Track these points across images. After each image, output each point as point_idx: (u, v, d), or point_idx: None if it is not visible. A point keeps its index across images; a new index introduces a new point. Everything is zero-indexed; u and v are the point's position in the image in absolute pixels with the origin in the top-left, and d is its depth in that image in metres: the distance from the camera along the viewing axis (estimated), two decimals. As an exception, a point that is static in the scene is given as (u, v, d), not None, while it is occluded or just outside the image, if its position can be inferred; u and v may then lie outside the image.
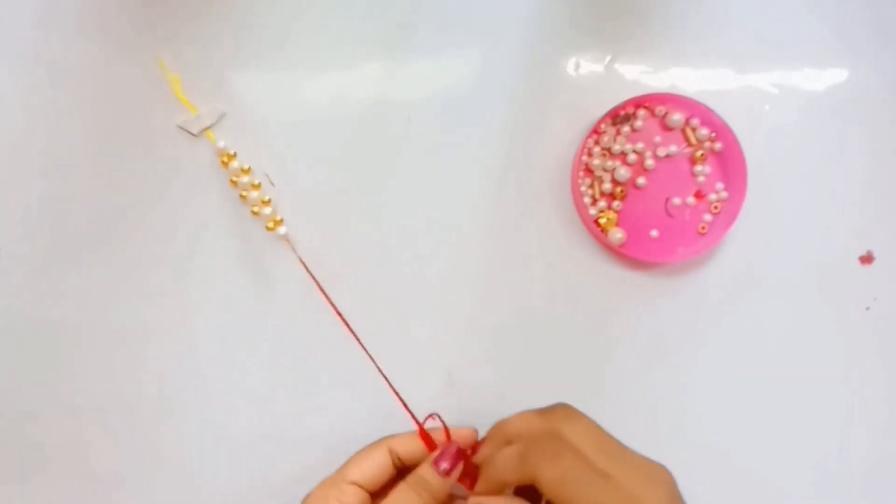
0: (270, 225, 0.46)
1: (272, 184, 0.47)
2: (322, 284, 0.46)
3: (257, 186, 0.47)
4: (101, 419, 0.46)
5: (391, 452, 0.40)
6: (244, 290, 0.47)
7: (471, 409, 0.46)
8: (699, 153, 0.46)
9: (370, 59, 0.48)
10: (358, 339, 0.46)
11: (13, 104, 0.48)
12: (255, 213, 0.46)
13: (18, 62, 0.48)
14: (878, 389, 0.46)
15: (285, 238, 0.46)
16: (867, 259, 0.47)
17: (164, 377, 0.47)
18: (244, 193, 0.46)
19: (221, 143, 0.46)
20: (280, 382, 0.47)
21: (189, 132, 0.47)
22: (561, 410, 0.36)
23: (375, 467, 0.40)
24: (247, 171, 0.46)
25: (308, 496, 0.39)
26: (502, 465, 0.36)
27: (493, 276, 0.47)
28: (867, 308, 0.47)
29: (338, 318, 0.46)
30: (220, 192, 0.47)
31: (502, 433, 0.38)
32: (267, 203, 0.46)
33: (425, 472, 0.39)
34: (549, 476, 0.33)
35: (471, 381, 0.46)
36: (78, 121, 0.47)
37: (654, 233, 0.46)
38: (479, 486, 0.38)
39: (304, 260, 0.46)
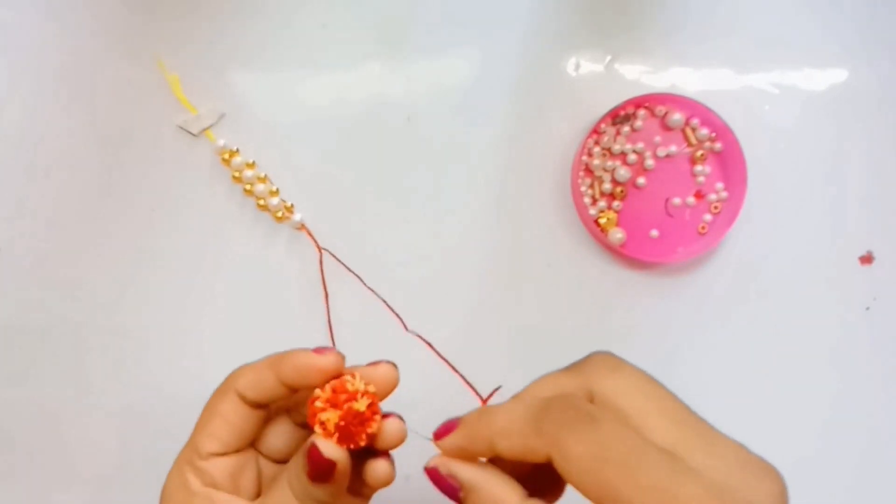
0: (280, 214, 0.46)
1: (272, 184, 0.47)
2: (323, 283, 0.46)
3: (263, 179, 0.47)
4: (106, 419, 0.46)
5: (242, 399, 0.30)
6: (250, 287, 0.47)
7: (470, 407, 0.46)
8: (699, 153, 0.46)
9: (370, 58, 0.48)
10: (403, 322, 0.46)
11: (14, 105, 0.48)
12: (261, 207, 0.46)
13: (18, 63, 0.48)
14: (877, 389, 0.46)
15: (302, 225, 0.46)
16: (867, 259, 0.47)
17: (169, 376, 0.47)
18: (248, 187, 0.46)
19: (221, 142, 0.46)
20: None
21: (189, 132, 0.47)
22: (600, 359, 0.26)
23: (229, 426, 0.29)
24: (252, 166, 0.46)
25: (165, 484, 0.31)
26: (503, 425, 0.25)
27: (494, 275, 0.47)
28: (867, 308, 0.47)
29: (383, 305, 0.46)
30: (222, 191, 0.47)
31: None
32: (275, 193, 0.46)
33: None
34: (577, 450, 0.22)
35: (470, 379, 0.46)
36: (78, 121, 0.47)
37: (654, 233, 0.46)
38: (453, 439, 0.27)
39: (322, 247, 0.46)
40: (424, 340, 0.45)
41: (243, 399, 0.29)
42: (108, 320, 0.47)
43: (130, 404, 0.47)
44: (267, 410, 0.31)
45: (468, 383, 0.44)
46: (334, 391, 0.27)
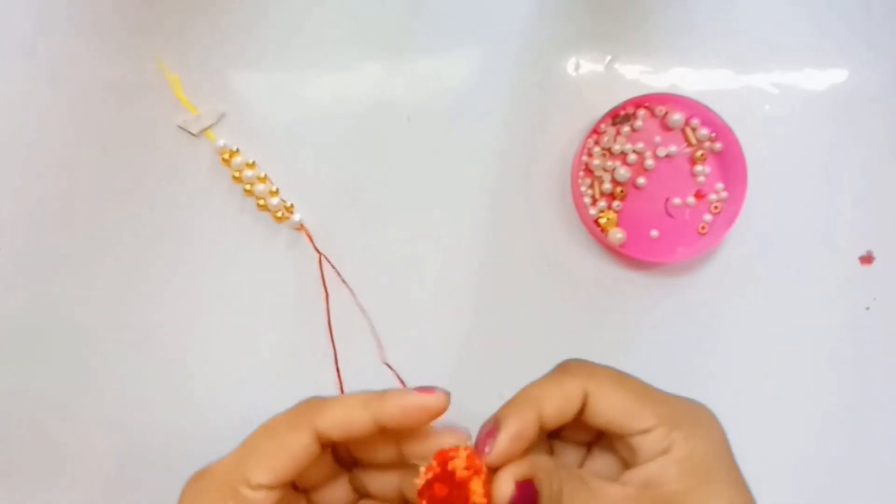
0: (280, 214, 0.46)
1: (272, 184, 0.47)
2: (324, 283, 0.46)
3: (263, 179, 0.47)
4: (105, 419, 0.46)
5: (319, 437, 0.28)
6: (249, 287, 0.47)
7: (469, 409, 0.46)
8: (699, 153, 0.46)
9: (370, 59, 0.48)
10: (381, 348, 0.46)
11: (13, 105, 0.48)
12: (261, 207, 0.46)
13: (18, 63, 0.48)
14: (877, 389, 0.46)
15: (301, 225, 0.46)
16: (867, 259, 0.47)
17: (167, 375, 0.47)
18: (248, 187, 0.46)
19: (222, 142, 0.46)
20: (293, 380, 0.46)
21: (189, 132, 0.47)
22: (576, 367, 0.31)
23: (294, 462, 0.28)
24: (252, 166, 0.46)
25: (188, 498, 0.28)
26: (542, 390, 0.29)
27: (493, 275, 0.47)
28: (867, 308, 0.47)
29: (361, 312, 0.46)
30: (222, 191, 0.47)
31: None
32: (275, 193, 0.46)
33: None
34: (605, 377, 0.29)
35: (470, 380, 0.46)
36: (78, 121, 0.47)
37: (654, 233, 0.46)
38: (511, 431, 0.28)
39: (320, 251, 0.46)
40: (397, 375, 0.45)
41: (320, 437, 0.28)
42: (106, 320, 0.47)
43: (128, 404, 0.47)
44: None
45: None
46: (476, 460, 0.27)
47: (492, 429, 0.28)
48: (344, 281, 0.46)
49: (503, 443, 0.27)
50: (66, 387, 0.47)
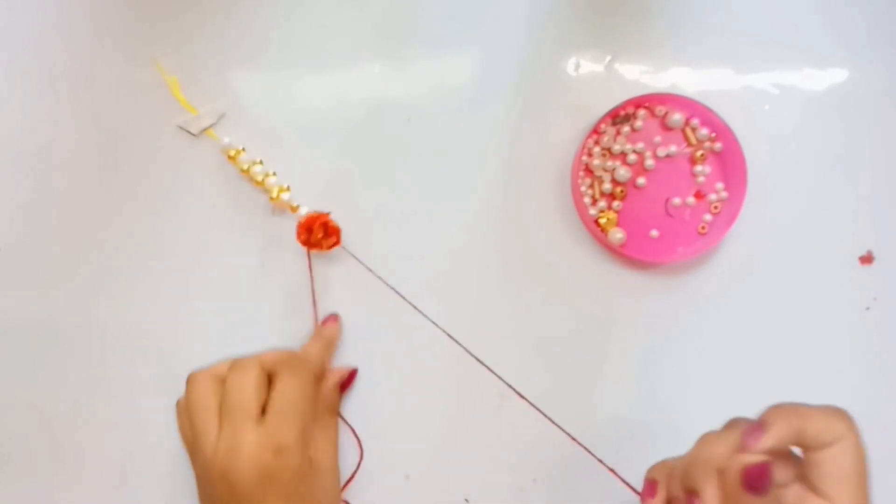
0: (294, 205, 0.46)
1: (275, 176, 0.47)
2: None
3: (273, 174, 0.47)
4: (107, 418, 0.47)
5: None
6: (252, 287, 0.47)
7: (470, 408, 0.46)
8: (699, 153, 0.46)
9: (370, 59, 0.48)
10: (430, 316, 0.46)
11: (13, 105, 0.48)
12: (273, 200, 0.46)
13: (18, 63, 0.48)
14: (877, 389, 0.46)
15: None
16: (867, 259, 0.47)
17: (169, 376, 0.47)
18: (260, 179, 0.46)
19: (226, 140, 0.46)
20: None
21: (189, 132, 0.47)
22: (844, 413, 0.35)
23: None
24: (259, 163, 0.46)
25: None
26: (808, 411, 0.33)
27: (493, 275, 0.47)
28: (867, 308, 0.47)
29: (398, 297, 0.46)
30: (222, 190, 0.47)
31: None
32: (285, 190, 0.46)
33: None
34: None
35: (470, 380, 0.46)
36: (78, 122, 0.47)
37: (654, 233, 0.46)
38: (771, 439, 0.33)
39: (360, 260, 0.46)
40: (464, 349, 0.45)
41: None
42: (107, 320, 0.47)
43: (131, 404, 0.47)
44: None
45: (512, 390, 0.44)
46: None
47: (758, 427, 0.33)
48: (395, 290, 0.46)
49: (767, 442, 0.32)
50: (66, 386, 0.47)
